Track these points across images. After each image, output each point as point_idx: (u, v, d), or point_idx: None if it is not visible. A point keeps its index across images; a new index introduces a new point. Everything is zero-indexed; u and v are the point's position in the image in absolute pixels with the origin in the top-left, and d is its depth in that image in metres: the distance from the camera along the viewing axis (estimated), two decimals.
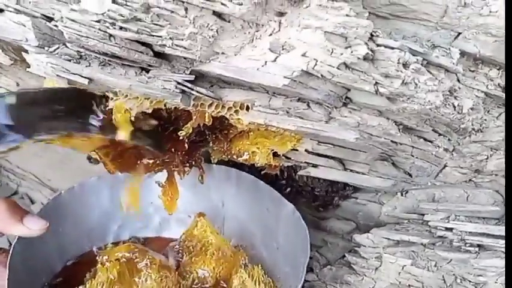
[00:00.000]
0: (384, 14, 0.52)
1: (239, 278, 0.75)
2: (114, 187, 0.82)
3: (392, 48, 0.46)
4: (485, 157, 0.70)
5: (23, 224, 0.61)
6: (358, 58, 0.45)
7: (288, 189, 0.89)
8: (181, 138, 0.61)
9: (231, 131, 0.70)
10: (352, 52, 0.46)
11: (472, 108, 0.60)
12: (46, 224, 0.62)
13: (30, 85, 0.78)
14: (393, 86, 0.47)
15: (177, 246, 0.83)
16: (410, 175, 0.73)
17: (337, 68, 0.46)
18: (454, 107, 0.59)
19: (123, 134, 0.58)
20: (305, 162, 0.72)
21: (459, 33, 0.54)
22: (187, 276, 0.78)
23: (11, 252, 0.63)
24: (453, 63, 0.50)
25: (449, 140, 0.69)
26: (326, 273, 0.86)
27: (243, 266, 0.77)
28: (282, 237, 0.79)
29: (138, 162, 0.74)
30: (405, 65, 0.47)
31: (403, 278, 0.76)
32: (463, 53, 0.55)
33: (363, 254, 0.79)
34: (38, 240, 0.63)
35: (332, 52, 0.46)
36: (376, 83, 0.47)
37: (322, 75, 0.46)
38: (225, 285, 0.77)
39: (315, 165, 0.72)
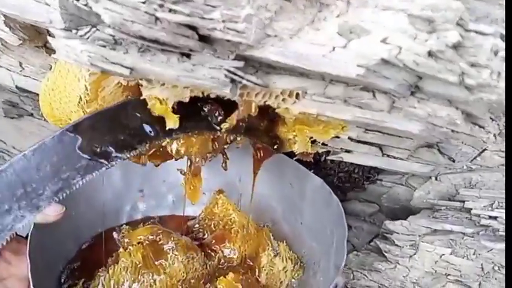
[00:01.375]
0: None
1: (267, 256, 0.74)
2: (126, 167, 0.78)
3: (486, 34, 0.40)
4: None
5: None
6: (447, 45, 0.40)
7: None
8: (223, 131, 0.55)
9: (265, 116, 0.64)
10: (438, 38, 0.40)
11: None
12: (62, 208, 0.57)
13: (36, 64, 0.70)
14: (481, 76, 0.41)
15: (196, 225, 0.80)
16: (453, 160, 0.69)
17: (423, 57, 0.40)
18: None
19: (171, 123, 0.52)
20: (341, 148, 0.67)
21: None
22: (213, 256, 0.76)
23: (29, 240, 0.59)
24: None
25: (497, 124, 0.65)
26: (352, 259, 0.83)
27: (269, 244, 0.75)
28: (308, 212, 0.76)
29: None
30: (495, 53, 0.42)
31: (440, 267, 0.73)
32: None
33: (396, 242, 0.76)
34: (52, 225, 0.58)
35: (416, 38, 0.40)
36: (462, 73, 0.41)
37: (405, 65, 0.40)
38: (251, 263, 0.75)
39: (349, 151, 0.67)
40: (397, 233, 0.76)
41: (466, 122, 0.55)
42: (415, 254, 0.75)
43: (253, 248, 0.75)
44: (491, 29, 0.40)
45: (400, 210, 0.87)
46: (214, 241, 0.76)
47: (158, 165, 0.69)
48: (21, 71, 0.71)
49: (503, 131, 0.68)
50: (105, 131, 0.53)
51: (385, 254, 0.78)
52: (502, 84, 0.46)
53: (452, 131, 0.55)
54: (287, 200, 0.79)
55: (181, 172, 0.74)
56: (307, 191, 0.74)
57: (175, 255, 0.69)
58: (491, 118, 0.59)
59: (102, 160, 0.53)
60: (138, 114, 0.54)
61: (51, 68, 0.61)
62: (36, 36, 0.59)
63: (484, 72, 0.42)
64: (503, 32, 0.42)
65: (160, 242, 0.71)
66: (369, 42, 0.41)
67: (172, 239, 0.71)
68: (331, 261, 0.65)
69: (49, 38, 0.45)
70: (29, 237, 0.60)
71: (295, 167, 0.75)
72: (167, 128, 0.54)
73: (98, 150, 0.52)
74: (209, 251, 0.75)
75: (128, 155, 0.54)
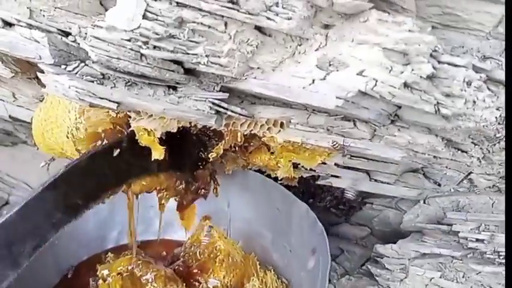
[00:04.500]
0: (433, 23, 0.48)
1: (252, 287, 0.72)
2: None
3: (458, 66, 0.42)
4: None
5: None
6: (421, 77, 0.41)
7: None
8: (211, 160, 0.56)
9: (251, 144, 0.65)
10: (413, 70, 0.41)
11: None
12: None
13: (28, 95, 0.72)
14: (456, 106, 0.43)
15: (182, 253, 0.79)
16: (439, 185, 0.70)
17: (398, 89, 0.41)
18: (496, 118, 0.56)
19: (157, 154, 0.53)
20: (328, 174, 0.68)
21: None
22: (197, 286, 0.74)
23: None
24: None
25: (480, 148, 0.66)
26: (345, 283, 0.83)
27: (254, 273, 0.73)
28: (295, 239, 0.74)
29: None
30: (468, 83, 0.43)
31: None
32: None
33: (387, 266, 0.76)
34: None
35: (391, 70, 0.42)
36: (438, 103, 0.43)
37: (381, 96, 0.42)
38: None
39: (337, 176, 0.69)
40: (388, 256, 0.76)
41: (447, 148, 0.56)
42: (405, 277, 0.75)
43: (239, 278, 0.73)
44: (463, 61, 0.42)
45: (391, 234, 0.87)
46: (198, 271, 0.75)
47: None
48: (14, 101, 0.72)
49: (490, 155, 0.69)
50: (77, 184, 0.54)
51: (377, 278, 0.78)
52: (478, 112, 0.47)
53: (434, 157, 0.56)
54: (276, 226, 0.77)
55: (175, 199, 0.74)
56: (293, 216, 0.73)
57: (154, 286, 0.68)
58: (473, 143, 0.60)
59: (73, 213, 0.54)
60: (105, 164, 0.56)
61: (43, 99, 0.63)
62: (28, 69, 0.61)
63: (458, 102, 0.43)
64: (476, 63, 0.43)
65: (139, 274, 0.70)
66: (346, 75, 0.43)
67: (151, 270, 0.70)
68: None
69: (38, 74, 0.47)
70: None
71: (279, 191, 0.73)
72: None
73: (69, 203, 0.54)
74: (193, 282, 0.74)
75: (93, 205, 0.56)
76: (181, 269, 0.75)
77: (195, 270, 0.75)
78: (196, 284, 0.74)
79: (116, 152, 0.56)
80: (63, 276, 0.74)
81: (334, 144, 0.51)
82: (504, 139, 0.63)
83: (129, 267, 0.71)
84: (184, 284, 0.72)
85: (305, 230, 0.71)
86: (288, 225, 0.74)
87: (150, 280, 0.69)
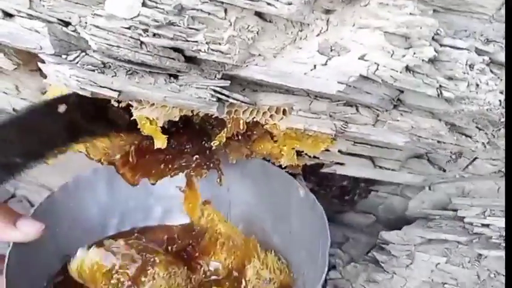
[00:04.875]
0: (435, 7, 0.48)
1: (253, 268, 0.72)
2: (111, 180, 0.75)
3: (460, 48, 0.42)
4: None
5: (16, 228, 0.55)
6: (423, 60, 0.41)
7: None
8: (213, 148, 0.56)
9: (254, 133, 0.65)
10: (415, 54, 0.41)
11: None
12: (42, 226, 0.56)
13: (32, 87, 0.72)
14: (459, 89, 0.43)
15: (182, 237, 0.78)
16: (444, 170, 0.69)
17: (400, 72, 0.41)
18: (500, 102, 0.55)
19: (159, 143, 0.53)
20: (332, 161, 0.68)
21: None
22: (198, 269, 0.74)
23: (6, 261, 0.57)
24: None
25: (485, 133, 0.66)
26: (350, 270, 0.83)
27: (255, 255, 0.73)
28: (295, 220, 0.74)
29: (155, 167, 0.69)
30: (470, 66, 0.43)
31: (437, 276, 0.73)
32: None
33: (393, 252, 0.76)
34: (34, 243, 0.57)
35: (393, 54, 0.41)
36: (440, 86, 0.43)
37: (383, 80, 0.42)
38: (238, 276, 0.73)
39: (341, 163, 0.68)
40: (393, 243, 0.76)
41: (451, 132, 0.56)
42: (411, 263, 0.75)
43: (240, 260, 0.73)
44: (465, 43, 0.42)
45: (396, 221, 0.87)
46: (199, 254, 0.74)
47: (155, 183, 0.70)
48: (17, 94, 0.72)
49: (495, 140, 0.68)
50: (14, 141, 0.51)
51: (382, 265, 0.78)
52: (482, 95, 0.47)
53: (438, 141, 0.56)
54: (276, 209, 0.76)
55: (180, 189, 0.74)
56: (292, 199, 0.72)
57: (156, 271, 0.67)
58: (477, 128, 0.60)
59: (11, 171, 0.52)
60: (48, 120, 0.53)
61: (45, 92, 0.63)
62: (30, 60, 0.61)
63: (461, 85, 0.43)
64: (479, 46, 0.43)
65: (140, 258, 0.69)
66: (348, 60, 0.43)
67: (152, 254, 0.69)
68: (317, 272, 0.64)
69: (39, 64, 0.47)
70: (6, 256, 0.58)
71: (278, 174, 0.73)
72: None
73: (6, 161, 0.51)
74: (194, 265, 0.73)
75: (36, 164, 0.53)
76: (182, 252, 0.75)
77: (196, 254, 0.75)
78: (198, 266, 0.74)
79: (62, 108, 0.52)
80: (64, 263, 0.73)
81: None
82: (505, 140, 0.63)
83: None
84: (186, 267, 0.71)
85: (305, 212, 0.70)
86: (288, 207, 0.73)
87: (151, 265, 0.68)
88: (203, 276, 0.73)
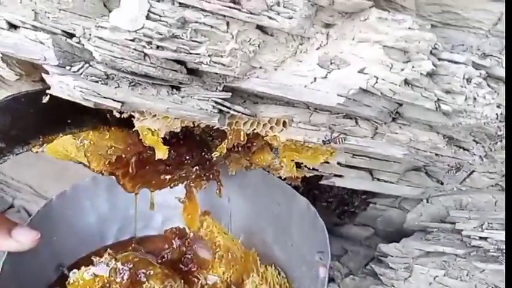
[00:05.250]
0: (433, 22, 0.49)
1: (252, 283, 0.71)
2: (110, 188, 0.75)
3: (458, 62, 0.42)
4: None
5: (11, 237, 0.54)
6: (421, 74, 0.42)
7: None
8: (214, 159, 0.57)
9: (254, 144, 0.66)
10: (413, 68, 0.42)
11: None
12: (37, 235, 0.55)
13: None
14: (456, 102, 0.43)
15: (183, 249, 0.78)
16: (442, 183, 0.70)
17: (399, 86, 0.42)
18: (497, 115, 0.56)
19: (160, 154, 0.53)
20: (331, 173, 0.68)
21: None
22: (196, 283, 0.73)
23: (1, 268, 0.58)
24: None
25: (482, 146, 0.67)
26: (349, 283, 0.83)
27: (254, 269, 0.72)
28: (296, 233, 0.73)
29: (155, 177, 0.70)
30: (468, 80, 0.44)
31: None
32: None
33: (391, 265, 0.76)
34: (31, 252, 0.56)
35: (392, 68, 0.42)
36: (438, 99, 0.43)
37: (382, 93, 0.42)
38: None
39: (339, 175, 0.69)
40: (391, 255, 0.76)
41: (448, 145, 0.57)
42: (409, 276, 0.75)
43: (239, 274, 0.72)
44: (463, 57, 0.42)
45: (394, 233, 0.87)
46: (197, 267, 0.74)
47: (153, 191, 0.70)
48: None
49: (492, 153, 0.69)
50: None
51: (381, 277, 0.78)
52: (479, 109, 0.48)
53: (436, 154, 0.57)
54: (277, 220, 0.76)
55: (179, 200, 0.75)
56: (293, 211, 0.72)
57: (151, 284, 0.67)
58: (475, 141, 0.61)
59: None
60: (32, 109, 0.53)
61: None
62: (33, 71, 0.61)
63: (459, 99, 0.44)
64: (476, 60, 0.44)
65: (136, 271, 0.69)
66: (347, 73, 0.43)
67: (149, 267, 0.69)
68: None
69: (43, 75, 0.47)
70: (1, 265, 0.58)
71: (280, 185, 0.73)
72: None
73: None
74: (191, 278, 0.73)
75: (21, 150, 0.53)
76: (180, 265, 0.74)
77: (194, 267, 0.75)
78: (195, 280, 0.73)
79: (45, 99, 0.52)
80: (61, 272, 0.73)
81: (324, 139, 0.51)
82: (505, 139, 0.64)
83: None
84: (183, 281, 0.71)
85: (306, 225, 0.70)
86: (289, 219, 0.73)
87: (146, 277, 0.68)
88: None
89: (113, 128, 0.60)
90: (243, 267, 0.73)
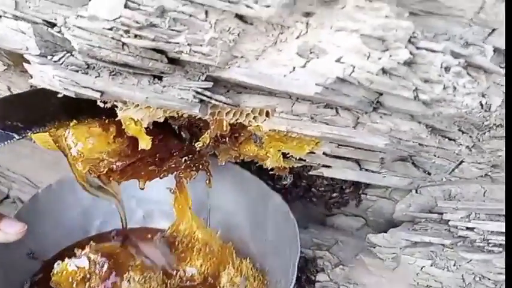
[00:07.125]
0: (415, 11, 0.48)
1: (227, 275, 0.74)
2: None
3: (435, 51, 0.42)
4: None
5: None
6: (398, 63, 0.42)
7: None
8: (198, 149, 0.57)
9: (241, 135, 0.66)
10: (391, 56, 0.42)
11: (499, 106, 0.57)
12: (24, 226, 0.56)
13: (23, 88, 0.73)
14: (434, 91, 0.43)
15: (161, 242, 0.80)
16: (429, 173, 0.70)
17: (376, 75, 0.42)
18: (482, 105, 0.56)
19: (143, 144, 0.54)
20: (319, 164, 0.68)
21: (494, 29, 0.50)
22: (174, 275, 0.75)
23: None
24: (491, 63, 0.47)
25: (470, 136, 0.67)
26: (338, 273, 0.84)
27: (230, 262, 0.74)
28: (271, 229, 0.76)
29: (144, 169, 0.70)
30: (446, 69, 0.44)
31: (422, 279, 0.74)
32: (495, 50, 0.51)
33: (379, 255, 0.77)
34: (15, 244, 0.58)
35: (369, 57, 0.42)
36: (416, 88, 0.43)
37: (359, 82, 0.42)
38: (213, 282, 0.75)
39: (328, 166, 0.69)
40: (380, 246, 0.77)
41: (432, 135, 0.57)
42: (397, 266, 0.75)
43: (216, 266, 0.75)
44: (440, 46, 0.42)
45: (385, 224, 0.88)
46: (175, 259, 0.76)
47: (143, 188, 0.70)
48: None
49: (480, 144, 0.69)
50: (18, 109, 0.55)
51: (369, 268, 0.79)
52: (459, 98, 0.48)
53: (420, 144, 0.57)
54: (253, 216, 0.79)
55: (170, 191, 0.75)
56: (269, 207, 0.75)
57: (131, 275, 0.69)
58: (461, 131, 0.61)
59: (11, 132, 0.53)
60: (50, 100, 0.55)
61: None
62: (21, 62, 0.61)
63: (437, 88, 0.43)
64: (456, 49, 0.43)
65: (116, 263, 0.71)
66: (325, 62, 0.43)
67: (128, 258, 0.71)
68: (288, 281, 0.66)
69: (25, 65, 0.47)
70: None
71: (256, 183, 0.76)
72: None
73: (9, 123, 0.53)
74: (170, 270, 0.75)
75: (37, 131, 0.56)
76: (160, 257, 0.76)
77: (173, 259, 0.77)
78: (174, 272, 0.76)
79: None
80: (44, 262, 0.75)
81: None
82: (504, 132, 0.63)
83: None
84: (162, 272, 0.73)
85: (279, 221, 0.73)
86: (264, 216, 0.76)
87: (127, 269, 0.70)
88: (179, 281, 0.75)
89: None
90: (220, 260, 0.76)
